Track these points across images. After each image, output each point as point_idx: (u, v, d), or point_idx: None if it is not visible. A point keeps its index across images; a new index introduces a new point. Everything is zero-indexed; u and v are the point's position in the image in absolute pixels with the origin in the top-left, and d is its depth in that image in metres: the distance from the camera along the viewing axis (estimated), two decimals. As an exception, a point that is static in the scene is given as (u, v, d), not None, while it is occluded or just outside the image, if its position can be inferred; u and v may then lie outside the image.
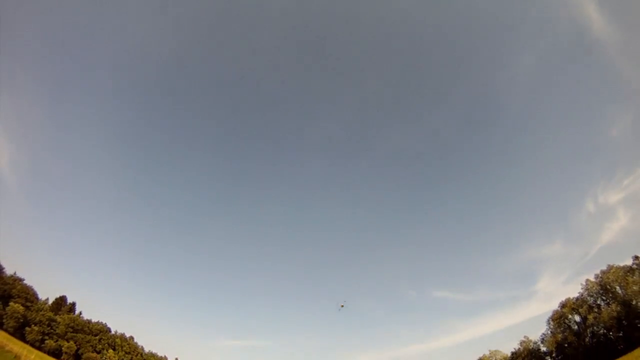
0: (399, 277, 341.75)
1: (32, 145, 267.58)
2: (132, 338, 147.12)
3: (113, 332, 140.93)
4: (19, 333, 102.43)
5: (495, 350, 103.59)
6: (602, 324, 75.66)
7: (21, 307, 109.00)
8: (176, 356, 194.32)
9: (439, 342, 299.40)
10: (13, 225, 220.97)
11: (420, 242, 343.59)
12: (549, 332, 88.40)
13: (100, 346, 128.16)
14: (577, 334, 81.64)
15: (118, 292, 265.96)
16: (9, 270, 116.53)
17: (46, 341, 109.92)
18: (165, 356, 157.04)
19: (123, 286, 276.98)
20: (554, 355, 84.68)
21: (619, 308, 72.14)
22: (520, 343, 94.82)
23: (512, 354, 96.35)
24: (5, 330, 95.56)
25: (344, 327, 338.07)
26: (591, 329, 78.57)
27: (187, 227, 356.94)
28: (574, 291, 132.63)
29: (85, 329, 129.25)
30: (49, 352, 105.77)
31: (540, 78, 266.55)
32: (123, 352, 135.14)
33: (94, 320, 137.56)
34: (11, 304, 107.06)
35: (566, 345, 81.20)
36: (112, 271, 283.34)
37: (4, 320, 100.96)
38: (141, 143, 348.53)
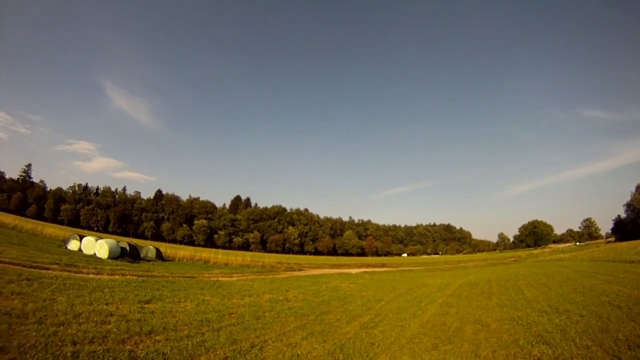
0: (544, 95, 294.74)
1: (164, 96, 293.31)
2: (307, 210, 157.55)
3: (289, 210, 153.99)
4: (210, 242, 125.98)
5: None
6: None
7: (204, 221, 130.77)
8: (349, 214, 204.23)
9: (591, 167, 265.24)
10: (167, 159, 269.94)
11: (562, 57, 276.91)
12: None
13: (280, 227, 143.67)
14: None
15: (283, 174, 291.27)
16: (183, 196, 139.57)
17: (234, 239, 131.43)
18: (339, 217, 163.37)
19: (286, 167, 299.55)
20: None
21: None
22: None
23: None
24: (198, 245, 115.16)
25: (493, 156, 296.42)
26: None
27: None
28: None
29: (264, 216, 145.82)
30: (238, 247, 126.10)
31: None
32: (302, 225, 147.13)
33: (270, 205, 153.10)
34: (195, 222, 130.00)
35: None
36: (271, 158, 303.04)
37: (194, 238, 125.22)
38: None
